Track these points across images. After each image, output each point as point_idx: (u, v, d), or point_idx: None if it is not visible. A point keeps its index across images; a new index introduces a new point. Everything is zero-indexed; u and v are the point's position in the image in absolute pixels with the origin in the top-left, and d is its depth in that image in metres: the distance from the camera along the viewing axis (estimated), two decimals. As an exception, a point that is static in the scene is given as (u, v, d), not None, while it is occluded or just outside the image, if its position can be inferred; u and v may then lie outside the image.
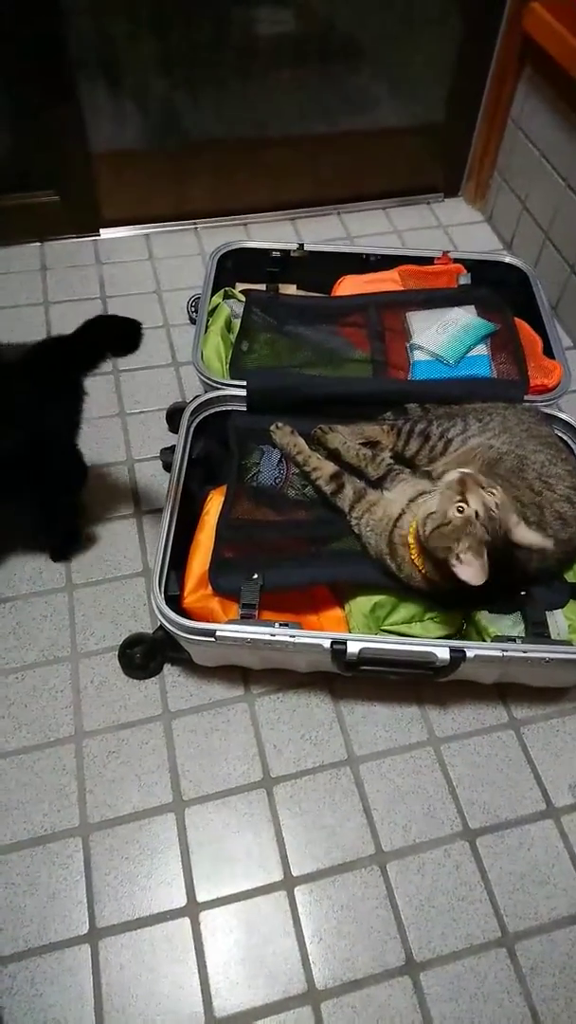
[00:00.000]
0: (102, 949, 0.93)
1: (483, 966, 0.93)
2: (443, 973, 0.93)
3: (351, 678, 1.07)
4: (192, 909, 0.96)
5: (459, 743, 1.11)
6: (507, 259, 1.51)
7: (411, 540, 0.99)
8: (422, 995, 0.91)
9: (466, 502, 0.92)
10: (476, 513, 0.92)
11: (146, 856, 1.00)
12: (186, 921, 0.95)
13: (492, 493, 0.94)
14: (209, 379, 1.26)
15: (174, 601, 1.05)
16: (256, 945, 0.94)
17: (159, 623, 1.02)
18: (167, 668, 1.16)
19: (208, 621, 1.03)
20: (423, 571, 0.99)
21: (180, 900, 0.97)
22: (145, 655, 1.14)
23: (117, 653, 1.16)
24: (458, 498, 0.93)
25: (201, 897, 0.97)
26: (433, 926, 0.96)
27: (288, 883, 0.99)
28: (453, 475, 0.96)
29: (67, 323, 1.58)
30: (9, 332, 1.57)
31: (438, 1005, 0.91)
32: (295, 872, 0.99)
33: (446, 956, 0.94)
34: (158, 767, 1.07)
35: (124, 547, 1.29)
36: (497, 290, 1.43)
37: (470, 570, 0.90)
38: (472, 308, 1.37)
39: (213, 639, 0.99)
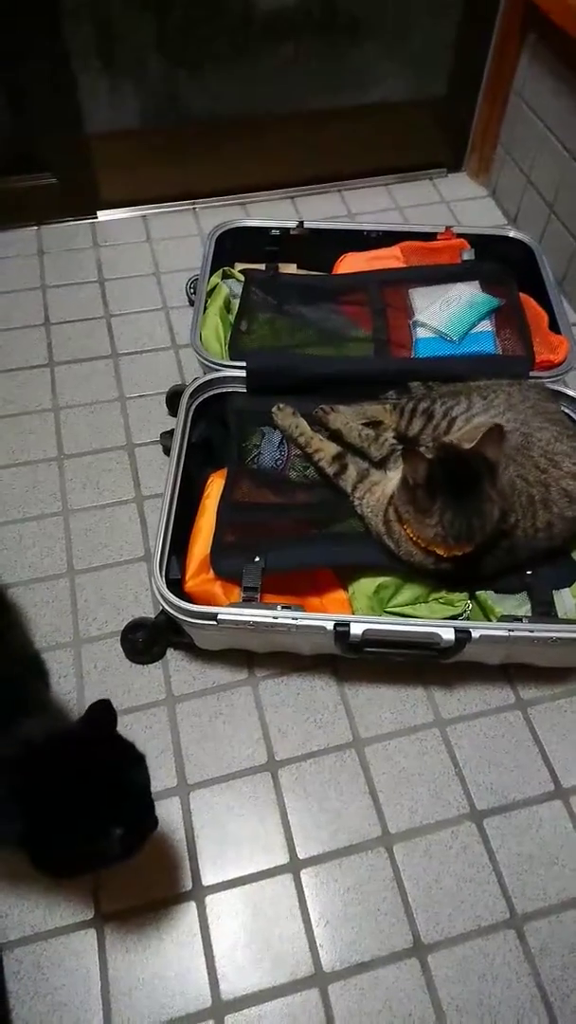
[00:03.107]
0: (108, 933, 0.93)
1: (491, 947, 0.93)
2: (451, 955, 0.92)
3: (355, 660, 1.06)
4: (198, 893, 0.96)
5: (465, 724, 1.10)
6: (511, 233, 1.48)
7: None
8: (430, 977, 0.91)
9: None
10: None
11: (150, 841, 0.98)
12: (192, 905, 0.95)
13: None
14: (208, 361, 1.24)
15: (176, 585, 1.04)
16: (262, 928, 0.94)
17: (161, 608, 1.01)
18: (170, 652, 1.15)
19: (210, 605, 1.01)
20: (419, 542, 0.97)
21: (186, 884, 0.96)
22: (147, 640, 1.13)
23: (119, 638, 1.15)
24: None
25: (207, 881, 0.97)
26: (441, 908, 0.95)
27: (294, 866, 0.98)
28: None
29: (65, 307, 1.60)
30: (7, 317, 1.57)
31: (446, 987, 0.90)
32: (301, 855, 0.99)
33: (454, 938, 0.93)
34: (162, 751, 1.06)
35: (125, 532, 1.27)
36: (502, 265, 1.40)
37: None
38: (476, 283, 1.35)
39: (215, 623, 0.98)
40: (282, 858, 0.98)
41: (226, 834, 1.00)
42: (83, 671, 1.13)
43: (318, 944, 0.93)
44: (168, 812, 1.01)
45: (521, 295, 1.35)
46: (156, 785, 1.02)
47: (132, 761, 0.81)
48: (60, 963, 0.91)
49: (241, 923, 0.94)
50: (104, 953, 0.92)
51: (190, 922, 0.94)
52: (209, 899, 0.96)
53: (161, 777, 1.04)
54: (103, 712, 0.80)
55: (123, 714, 1.09)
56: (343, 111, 1.78)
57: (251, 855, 0.99)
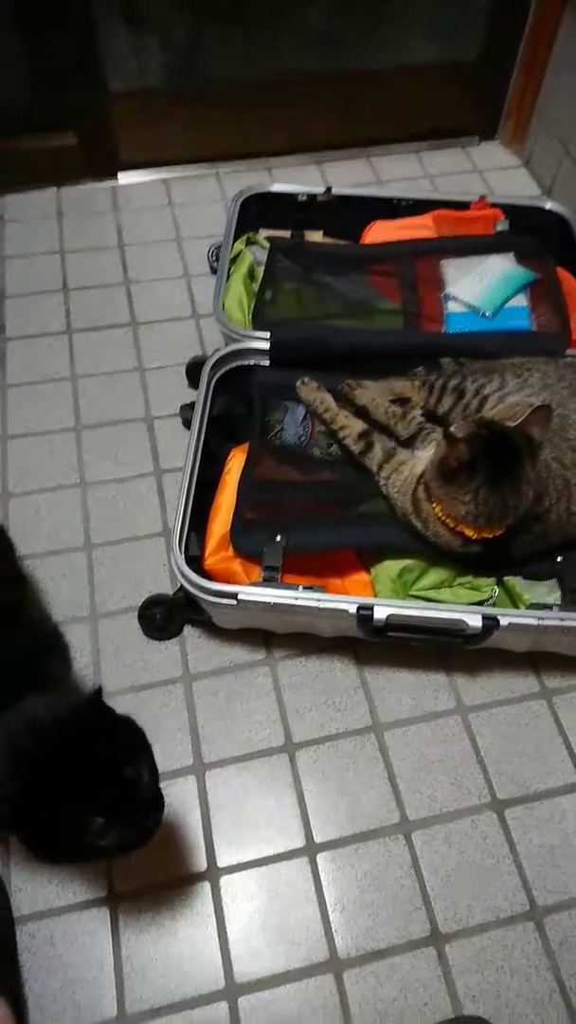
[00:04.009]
0: (121, 911, 0.92)
1: (510, 939, 0.91)
2: (469, 945, 0.91)
3: (376, 644, 1.03)
4: (213, 874, 0.95)
5: (488, 712, 1.07)
6: (547, 205, 1.42)
7: None
8: (447, 966, 0.89)
9: None
10: None
11: (166, 819, 0.97)
12: (206, 885, 0.94)
13: None
14: (231, 331, 1.20)
15: (195, 562, 1.02)
16: (277, 912, 0.93)
17: (179, 584, 0.99)
18: (187, 630, 1.13)
19: (229, 583, 0.99)
20: (448, 521, 0.93)
21: (200, 864, 0.95)
22: (165, 617, 1.11)
23: (137, 614, 1.13)
24: None
25: (222, 862, 0.96)
26: (459, 897, 0.93)
27: (310, 850, 0.97)
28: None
29: (84, 273, 1.56)
30: (25, 282, 1.53)
31: (463, 977, 0.89)
32: (318, 839, 0.97)
33: (472, 928, 0.92)
34: (179, 729, 1.05)
35: (143, 506, 1.25)
36: (537, 237, 1.35)
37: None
38: (511, 256, 1.29)
39: (235, 602, 0.95)
40: (298, 841, 0.97)
41: (242, 815, 0.99)
42: (100, 646, 1.11)
43: (334, 930, 0.91)
44: (183, 791, 1.00)
45: (558, 269, 1.30)
46: (172, 763, 1.02)
47: (134, 749, 0.76)
48: (73, 940, 0.90)
49: (256, 906, 0.93)
50: (117, 931, 0.91)
51: (204, 903, 0.93)
52: (224, 880, 0.94)
53: (177, 755, 1.03)
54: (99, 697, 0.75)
55: (140, 690, 1.08)
56: (373, 74, 1.70)
57: (267, 837, 0.97)
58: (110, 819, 0.71)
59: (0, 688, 0.78)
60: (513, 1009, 0.87)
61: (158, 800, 0.77)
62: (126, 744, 0.76)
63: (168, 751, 1.03)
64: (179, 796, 1.00)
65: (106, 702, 0.76)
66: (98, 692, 0.75)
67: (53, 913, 0.92)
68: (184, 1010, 0.87)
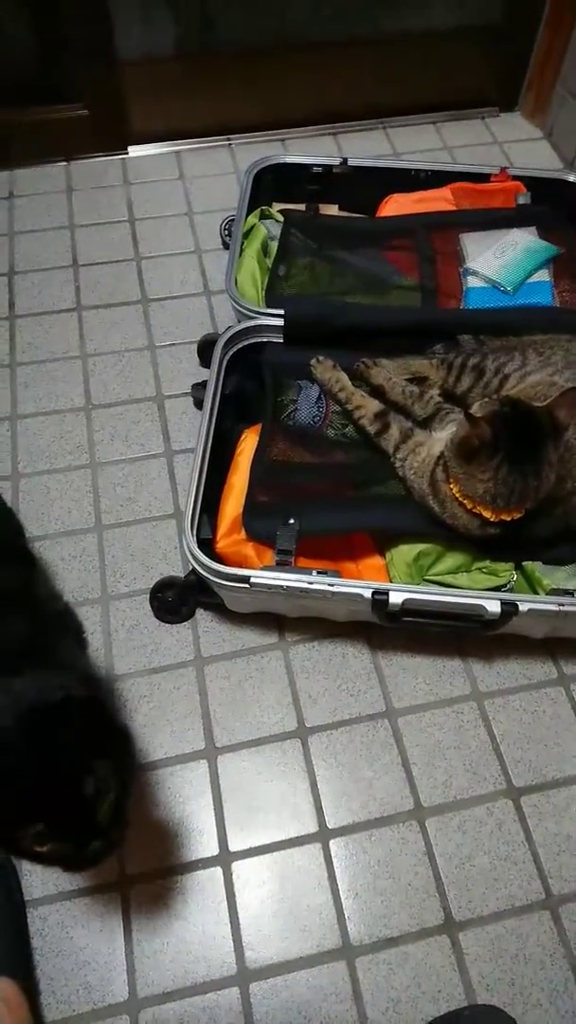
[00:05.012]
0: (133, 896, 0.91)
1: (525, 928, 0.90)
2: (483, 934, 0.89)
3: (390, 629, 1.01)
4: (224, 858, 0.94)
5: (504, 698, 1.05)
6: (571, 177, 1.37)
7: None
8: (461, 954, 0.88)
9: None
10: None
11: (177, 803, 0.98)
12: (218, 871, 0.93)
13: None
14: (243, 307, 1.17)
15: (207, 545, 1.00)
16: (289, 897, 0.92)
17: (191, 567, 0.97)
18: (199, 613, 1.11)
19: (242, 566, 0.97)
20: (465, 502, 0.91)
21: (212, 849, 0.95)
22: (177, 599, 1.10)
23: (148, 596, 1.11)
24: None
25: (234, 847, 0.95)
26: (473, 885, 0.92)
27: (323, 835, 0.96)
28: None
29: (94, 248, 1.53)
30: (35, 258, 1.51)
31: (477, 965, 0.88)
32: (330, 824, 0.96)
33: (486, 917, 0.91)
34: (190, 713, 1.04)
35: (154, 488, 1.23)
36: (561, 210, 1.30)
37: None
38: (533, 229, 1.25)
39: (247, 586, 0.94)
40: (311, 827, 0.96)
41: (254, 800, 0.98)
42: (111, 629, 1.10)
43: (346, 916, 0.91)
44: (195, 775, 0.99)
45: (582, 243, 1.26)
46: (183, 747, 1.01)
47: (107, 768, 0.65)
48: (85, 923, 0.90)
49: (268, 891, 0.92)
50: (128, 915, 0.90)
51: (216, 888, 0.92)
52: (236, 865, 0.94)
53: (189, 739, 1.02)
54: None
55: (151, 674, 1.07)
56: (389, 40, 1.65)
57: (279, 822, 0.96)
58: (51, 829, 0.63)
59: (4, 669, 0.76)
60: (527, 998, 0.86)
61: (112, 829, 0.66)
62: (104, 757, 0.66)
63: (180, 735, 1.02)
64: (191, 780, 0.99)
65: (106, 701, 0.69)
66: (89, 685, 0.68)
67: (64, 897, 0.91)
68: (195, 995, 0.86)
